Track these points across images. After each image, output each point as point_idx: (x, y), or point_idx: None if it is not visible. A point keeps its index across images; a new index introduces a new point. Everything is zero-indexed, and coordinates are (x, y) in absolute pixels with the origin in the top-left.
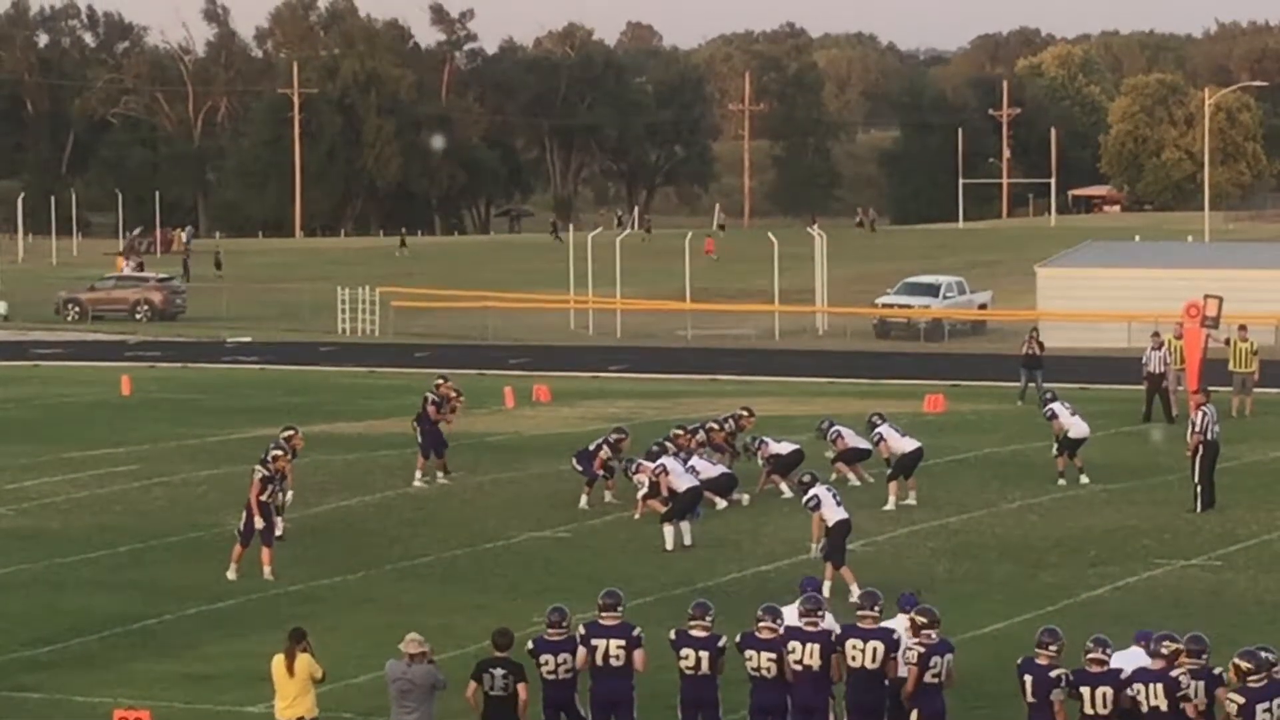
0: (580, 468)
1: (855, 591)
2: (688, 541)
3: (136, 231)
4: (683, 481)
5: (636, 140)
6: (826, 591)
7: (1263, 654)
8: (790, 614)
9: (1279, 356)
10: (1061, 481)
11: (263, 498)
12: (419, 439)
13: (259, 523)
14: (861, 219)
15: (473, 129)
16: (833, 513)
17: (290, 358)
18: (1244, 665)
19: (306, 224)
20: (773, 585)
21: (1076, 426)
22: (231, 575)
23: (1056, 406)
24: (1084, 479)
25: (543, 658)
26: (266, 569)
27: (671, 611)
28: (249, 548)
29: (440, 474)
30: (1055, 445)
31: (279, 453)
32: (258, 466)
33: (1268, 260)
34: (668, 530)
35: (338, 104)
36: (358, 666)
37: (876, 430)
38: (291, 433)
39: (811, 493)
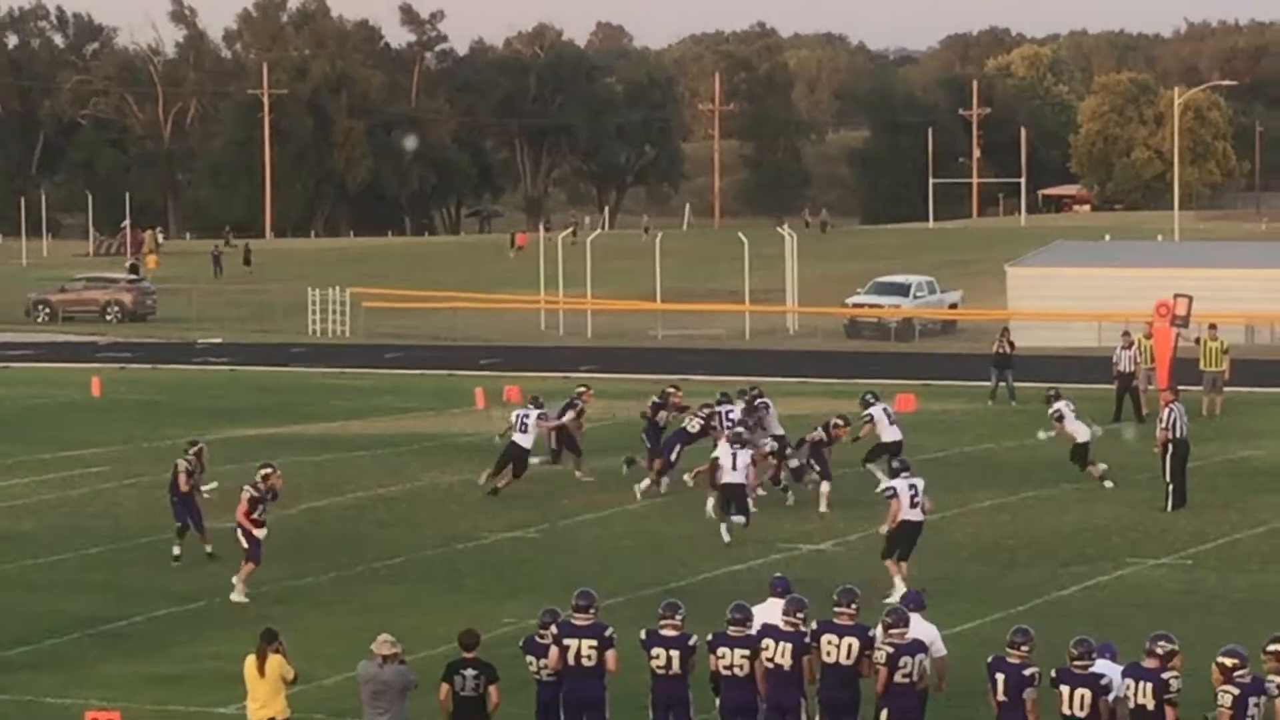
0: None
1: (899, 588)
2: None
3: (125, 225)
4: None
5: (607, 140)
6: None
7: (1243, 651)
8: (760, 612)
9: (1249, 356)
10: (1108, 484)
11: (253, 516)
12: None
13: (246, 539)
14: (809, 220)
15: (443, 129)
16: (905, 510)
17: (261, 359)
18: (1229, 662)
19: (276, 225)
20: (744, 585)
21: (1081, 430)
22: (243, 597)
23: (1064, 407)
24: (1108, 483)
25: (528, 658)
26: (240, 584)
27: (642, 611)
28: (260, 564)
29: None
30: (1073, 453)
31: (268, 470)
32: (247, 486)
33: (1238, 259)
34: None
35: (308, 105)
36: (330, 667)
37: (869, 409)
38: (269, 470)
39: (888, 484)
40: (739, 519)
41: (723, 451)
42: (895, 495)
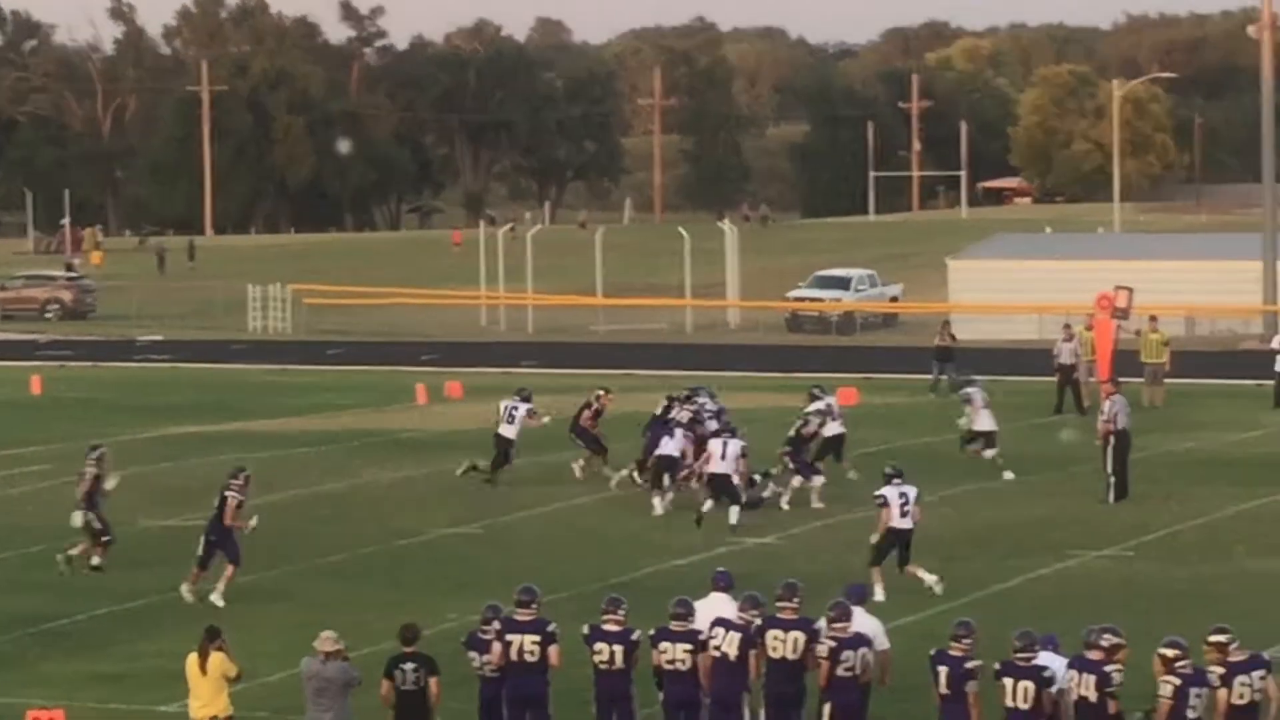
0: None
1: (878, 595)
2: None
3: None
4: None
5: (547, 136)
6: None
7: (1184, 642)
8: (703, 607)
9: (1190, 347)
10: (1008, 474)
11: (238, 522)
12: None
13: (201, 546)
14: (748, 214)
15: (383, 125)
16: (895, 519)
17: (202, 356)
18: (1170, 653)
19: (217, 222)
20: (687, 579)
21: (984, 419)
22: (188, 598)
23: (975, 393)
24: (1008, 474)
25: (471, 655)
26: (221, 588)
27: (585, 607)
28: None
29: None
30: (965, 437)
31: (249, 473)
32: (232, 492)
33: (1178, 251)
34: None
35: (247, 101)
36: (273, 664)
37: (816, 403)
38: (249, 473)
39: (879, 492)
40: (735, 510)
41: (713, 441)
42: (885, 503)
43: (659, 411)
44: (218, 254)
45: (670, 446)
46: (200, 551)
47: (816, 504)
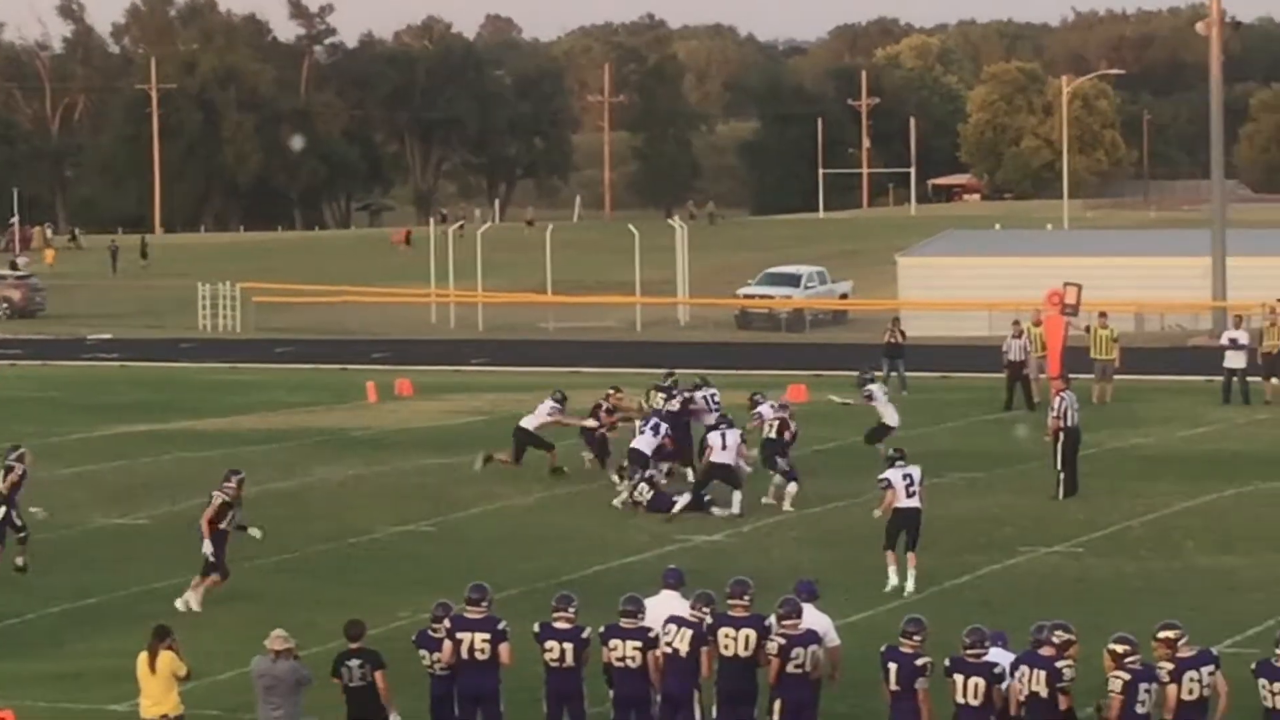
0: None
1: (892, 579)
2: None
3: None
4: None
5: (496, 133)
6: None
7: (1133, 637)
8: (654, 605)
9: (1139, 344)
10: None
11: (221, 525)
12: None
13: (208, 547)
14: (694, 212)
15: (333, 123)
16: (902, 499)
17: (151, 354)
18: (1120, 649)
19: (166, 220)
20: (637, 577)
21: (891, 414)
22: (196, 607)
23: (875, 389)
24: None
25: (422, 652)
26: (197, 595)
27: (536, 604)
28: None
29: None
30: (873, 433)
31: (242, 476)
32: (217, 492)
33: (1127, 247)
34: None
35: (197, 100)
36: (224, 663)
37: (757, 409)
38: (243, 476)
39: (882, 475)
40: (737, 495)
41: (712, 434)
42: (890, 486)
43: (661, 403)
44: (167, 252)
45: (726, 455)
46: (210, 557)
47: (787, 508)
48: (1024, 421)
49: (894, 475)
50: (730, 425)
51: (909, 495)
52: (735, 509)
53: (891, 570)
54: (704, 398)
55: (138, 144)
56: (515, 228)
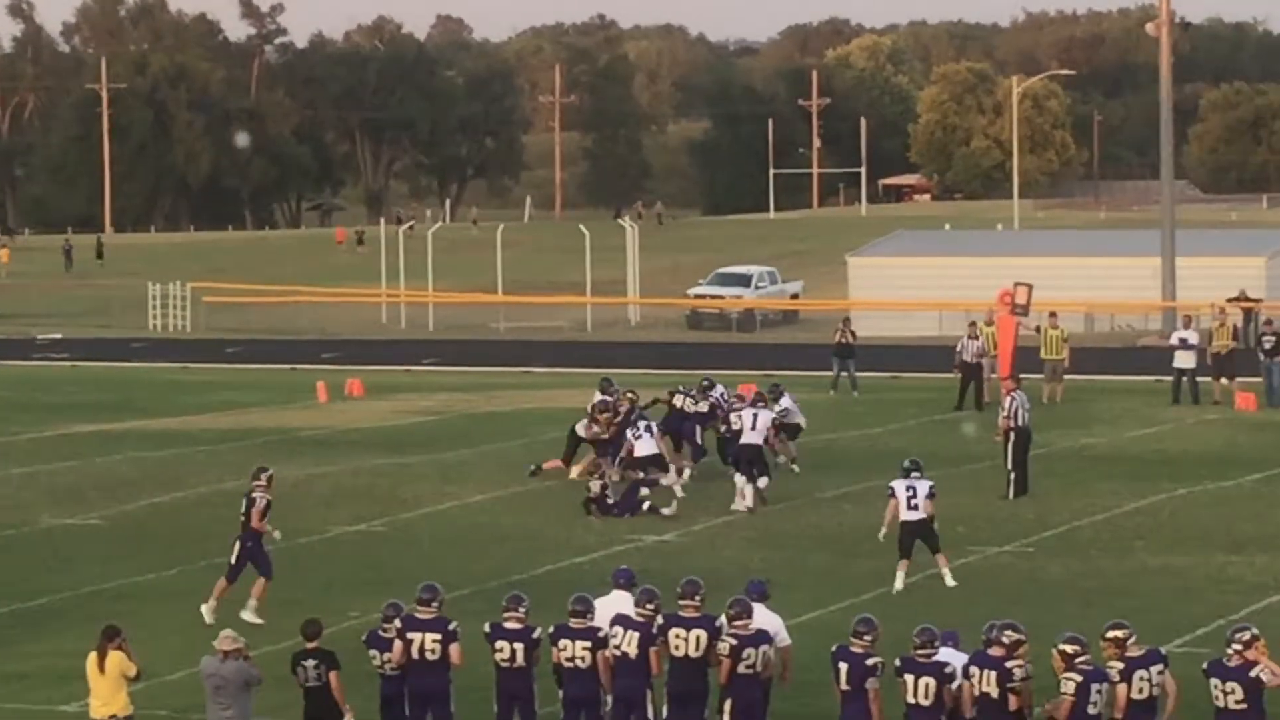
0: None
1: (897, 584)
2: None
3: None
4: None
5: (447, 133)
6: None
7: (1083, 638)
8: (604, 604)
9: (1089, 344)
10: (795, 468)
11: (264, 525)
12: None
13: (235, 554)
14: (641, 211)
15: (283, 123)
16: (904, 511)
17: (101, 354)
18: (1070, 649)
19: (116, 220)
20: (588, 577)
21: (800, 418)
22: (209, 618)
23: (787, 398)
24: (795, 467)
25: (372, 653)
26: (257, 605)
27: (486, 604)
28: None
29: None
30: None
31: (272, 472)
32: (258, 493)
33: (1077, 247)
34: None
35: (147, 99)
36: (173, 663)
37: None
38: (272, 472)
39: (890, 484)
40: (763, 482)
41: (744, 413)
42: (892, 495)
43: (678, 404)
44: (118, 252)
45: (754, 435)
46: (233, 560)
47: (746, 504)
48: (973, 421)
49: (898, 486)
50: (764, 407)
51: (910, 507)
52: (749, 502)
53: (899, 576)
54: (720, 397)
55: (88, 143)
56: (465, 228)
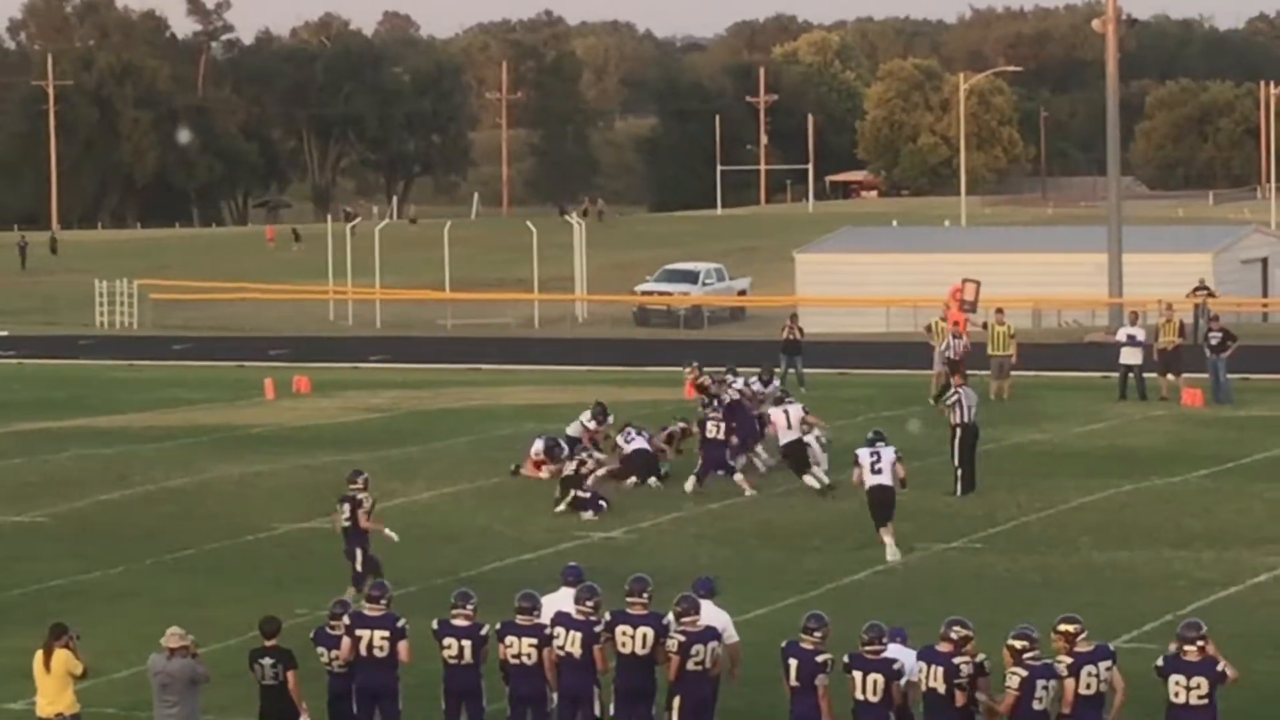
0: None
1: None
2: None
3: None
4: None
5: (394, 130)
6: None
7: (1033, 633)
8: (551, 601)
9: (1036, 340)
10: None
11: (377, 525)
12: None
13: (358, 555)
14: (586, 208)
15: (230, 120)
16: (868, 476)
17: (48, 351)
18: (1018, 644)
19: (63, 217)
20: (535, 574)
21: None
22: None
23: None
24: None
25: (320, 650)
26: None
27: (434, 601)
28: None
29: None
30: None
31: (367, 475)
32: (363, 496)
33: (1024, 244)
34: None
35: (93, 96)
36: (121, 661)
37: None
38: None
39: (856, 450)
40: (818, 470)
41: (775, 410)
42: (856, 462)
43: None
44: (64, 249)
45: (793, 431)
46: (358, 567)
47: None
48: (918, 417)
49: (862, 453)
50: (792, 401)
51: (875, 472)
52: (823, 480)
53: (888, 545)
54: (745, 384)
55: (34, 140)
56: (413, 225)
